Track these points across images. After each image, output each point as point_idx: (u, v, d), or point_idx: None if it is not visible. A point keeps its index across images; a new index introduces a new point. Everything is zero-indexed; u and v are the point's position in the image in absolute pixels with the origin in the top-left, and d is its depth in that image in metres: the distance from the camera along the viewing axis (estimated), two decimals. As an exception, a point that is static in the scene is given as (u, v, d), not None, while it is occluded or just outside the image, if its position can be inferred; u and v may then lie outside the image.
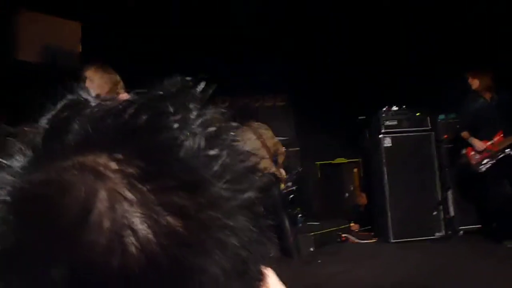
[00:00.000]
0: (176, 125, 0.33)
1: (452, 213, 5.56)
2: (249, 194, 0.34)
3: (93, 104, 0.35)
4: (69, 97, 0.36)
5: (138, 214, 0.30)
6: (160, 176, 0.31)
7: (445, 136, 5.70)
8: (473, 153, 4.92)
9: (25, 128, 0.35)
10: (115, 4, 5.25)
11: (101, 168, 0.31)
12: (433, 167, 5.56)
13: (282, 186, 5.25)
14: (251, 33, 6.22)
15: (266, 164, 4.75)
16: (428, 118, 5.66)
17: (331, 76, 6.46)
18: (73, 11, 4.92)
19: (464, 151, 5.03)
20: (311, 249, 5.26)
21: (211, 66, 6.45)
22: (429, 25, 5.72)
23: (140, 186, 0.30)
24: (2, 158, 0.34)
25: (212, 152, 0.33)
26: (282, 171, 5.15)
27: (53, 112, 0.35)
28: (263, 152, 4.81)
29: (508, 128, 4.75)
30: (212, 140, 0.34)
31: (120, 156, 0.31)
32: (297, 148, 6.65)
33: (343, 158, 6.98)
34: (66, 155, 0.32)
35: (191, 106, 0.35)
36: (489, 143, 4.83)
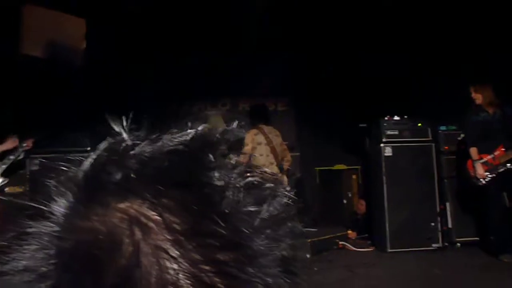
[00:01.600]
0: (217, 177, 0.33)
1: (450, 224, 5.55)
2: (285, 245, 0.35)
3: (135, 146, 0.35)
4: (111, 139, 0.36)
5: (183, 272, 0.30)
6: (204, 232, 0.31)
7: (446, 147, 5.69)
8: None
9: (65, 168, 0.35)
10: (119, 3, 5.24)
11: (144, 219, 0.31)
12: (432, 178, 5.55)
13: None
14: (254, 37, 6.21)
15: (272, 170, 4.82)
16: (429, 129, 5.66)
17: (333, 82, 6.45)
18: (79, 7, 4.91)
19: (465, 163, 5.02)
20: (308, 256, 5.24)
21: (212, 70, 6.45)
22: (433, 36, 5.72)
23: (185, 242, 0.31)
24: (44, 202, 0.33)
25: (253, 208, 0.34)
26: (285, 178, 5.16)
27: (95, 154, 0.35)
28: (271, 159, 4.86)
29: (509, 142, 4.75)
30: (252, 191, 0.35)
31: (162, 207, 0.31)
32: (297, 153, 6.63)
33: (342, 165, 6.97)
34: (108, 201, 0.32)
35: (230, 156, 0.36)
36: (490, 156, 4.82)
